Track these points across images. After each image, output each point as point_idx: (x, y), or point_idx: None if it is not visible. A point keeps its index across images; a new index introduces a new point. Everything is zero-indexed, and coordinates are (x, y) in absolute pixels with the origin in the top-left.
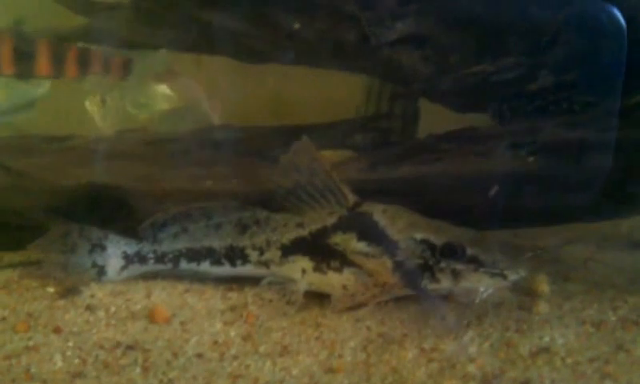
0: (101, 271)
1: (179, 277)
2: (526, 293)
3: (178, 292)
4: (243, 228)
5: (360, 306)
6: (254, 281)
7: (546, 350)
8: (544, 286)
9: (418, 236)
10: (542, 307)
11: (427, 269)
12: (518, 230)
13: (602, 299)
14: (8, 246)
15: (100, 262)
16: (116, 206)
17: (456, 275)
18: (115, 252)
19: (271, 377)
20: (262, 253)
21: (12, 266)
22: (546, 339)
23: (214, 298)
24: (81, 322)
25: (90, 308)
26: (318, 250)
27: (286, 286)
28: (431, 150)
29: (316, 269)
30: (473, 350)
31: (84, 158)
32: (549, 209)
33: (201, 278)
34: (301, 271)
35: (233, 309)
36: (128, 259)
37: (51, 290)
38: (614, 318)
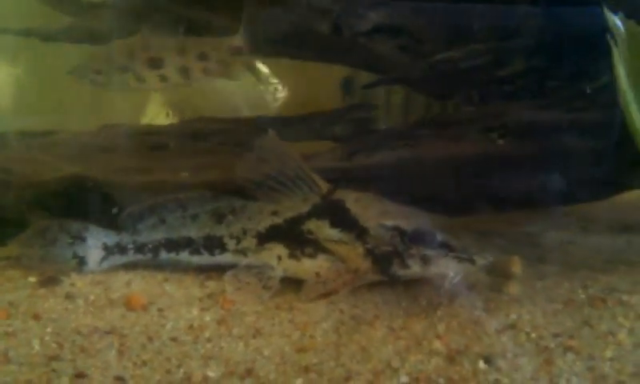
0: (81, 262)
1: (159, 267)
2: (499, 275)
3: (157, 281)
4: (220, 217)
5: (331, 293)
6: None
7: (512, 326)
8: (516, 267)
9: (389, 223)
10: (513, 288)
11: (397, 255)
12: (503, 214)
13: (574, 279)
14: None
15: (80, 253)
16: (97, 198)
17: (425, 261)
18: (95, 243)
19: (243, 357)
20: (238, 241)
21: None
22: (513, 317)
23: (192, 286)
24: (60, 310)
25: (69, 296)
26: (293, 237)
27: (262, 271)
28: (405, 137)
29: (291, 255)
30: (441, 328)
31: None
32: (524, 192)
33: (181, 268)
34: (277, 258)
35: (210, 296)
36: (108, 250)
37: (32, 279)
38: (583, 296)
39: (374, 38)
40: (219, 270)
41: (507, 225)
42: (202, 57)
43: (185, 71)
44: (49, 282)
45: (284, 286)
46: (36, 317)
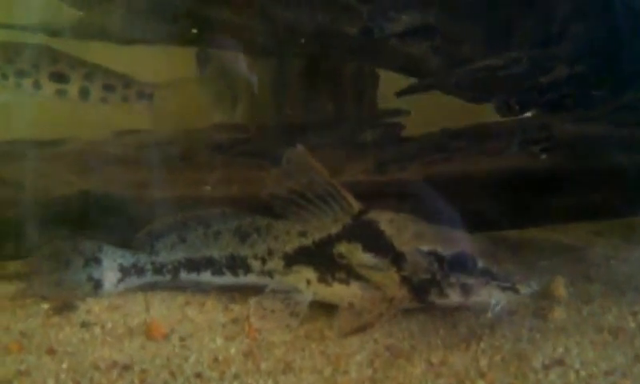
0: (97, 285)
1: (179, 288)
2: (542, 297)
3: (178, 304)
4: (243, 236)
5: (367, 326)
6: (258, 291)
7: (559, 362)
8: (561, 289)
9: (426, 248)
10: (559, 313)
11: (436, 283)
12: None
13: (621, 303)
14: (3, 257)
15: (96, 275)
16: (110, 215)
17: (466, 289)
18: (111, 265)
19: None
20: (264, 262)
21: (6, 278)
22: (560, 350)
23: (215, 310)
24: (76, 341)
25: (85, 325)
26: (323, 260)
27: (290, 296)
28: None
29: (321, 280)
30: (483, 363)
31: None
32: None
33: (202, 289)
34: (305, 282)
35: (234, 321)
36: (124, 272)
37: (45, 306)
38: (633, 325)
39: (406, 40)
40: (243, 291)
41: (547, 240)
42: (108, 88)
43: (85, 94)
44: (63, 308)
45: (313, 311)
46: (50, 351)
